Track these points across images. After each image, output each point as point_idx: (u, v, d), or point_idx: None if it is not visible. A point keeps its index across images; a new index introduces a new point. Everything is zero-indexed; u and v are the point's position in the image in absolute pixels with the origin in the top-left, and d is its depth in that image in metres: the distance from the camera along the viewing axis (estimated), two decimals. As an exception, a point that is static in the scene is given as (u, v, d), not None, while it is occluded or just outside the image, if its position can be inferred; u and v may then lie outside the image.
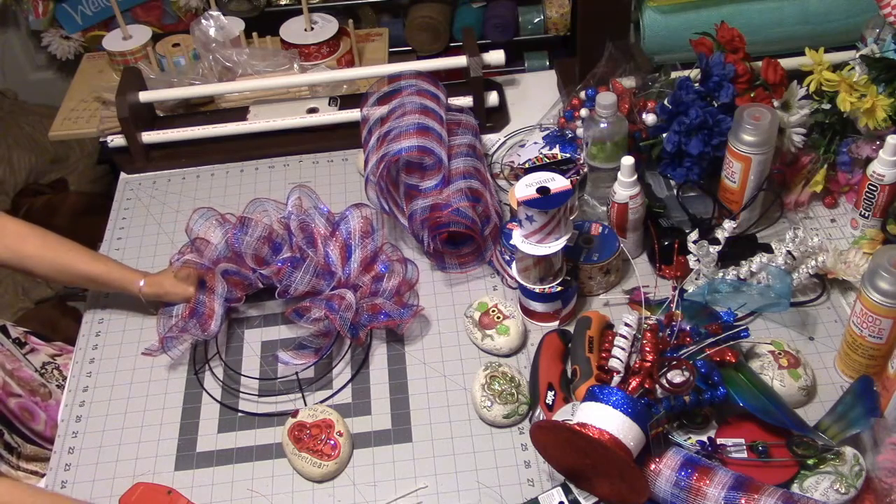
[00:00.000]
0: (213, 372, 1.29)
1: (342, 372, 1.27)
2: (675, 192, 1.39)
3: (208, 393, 1.26)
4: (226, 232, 1.33)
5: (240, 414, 1.23)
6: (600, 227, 1.33)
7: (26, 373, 1.37)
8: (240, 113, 1.70)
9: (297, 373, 1.25)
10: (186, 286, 1.31)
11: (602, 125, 1.31)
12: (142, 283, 1.30)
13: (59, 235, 1.30)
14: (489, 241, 1.35)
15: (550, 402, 1.14)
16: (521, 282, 1.26)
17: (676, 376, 1.07)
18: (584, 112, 1.46)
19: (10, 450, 1.29)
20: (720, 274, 1.25)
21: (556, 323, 1.28)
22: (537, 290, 1.25)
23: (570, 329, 1.22)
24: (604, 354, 1.15)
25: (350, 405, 1.23)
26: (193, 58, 1.88)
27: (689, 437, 1.09)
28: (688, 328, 1.14)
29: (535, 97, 1.72)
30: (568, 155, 1.47)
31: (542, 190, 1.16)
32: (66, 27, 2.64)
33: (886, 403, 1.08)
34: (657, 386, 1.08)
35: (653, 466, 1.02)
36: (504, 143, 1.61)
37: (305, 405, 1.23)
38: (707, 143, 1.31)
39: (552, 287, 1.24)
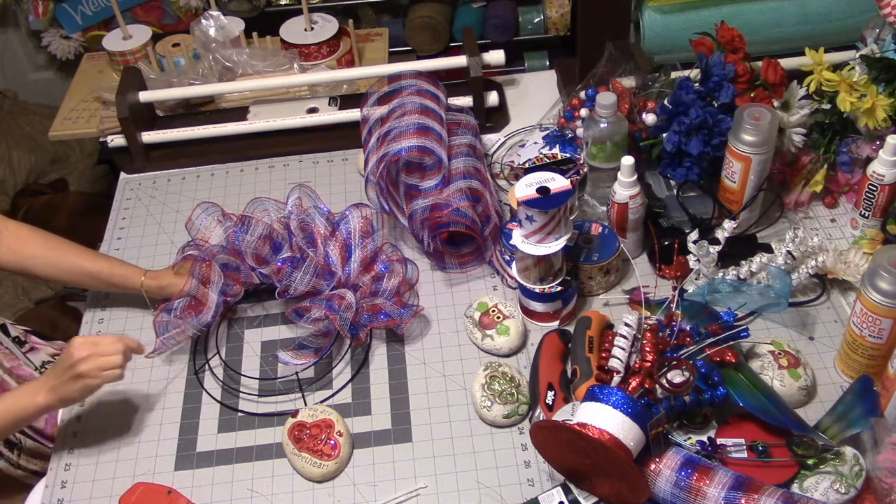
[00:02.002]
0: (213, 372, 1.29)
1: (342, 372, 1.27)
2: (675, 192, 1.39)
3: (208, 393, 1.26)
4: (227, 230, 1.33)
5: (240, 414, 1.23)
6: (600, 227, 1.33)
7: (25, 371, 1.37)
8: (240, 113, 1.70)
9: (297, 373, 1.25)
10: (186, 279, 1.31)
11: (602, 125, 1.31)
12: (143, 277, 1.30)
13: (59, 236, 1.30)
14: (489, 241, 1.35)
15: (550, 402, 1.14)
16: (521, 282, 1.26)
17: (676, 376, 1.07)
18: (584, 112, 1.46)
19: (10, 446, 1.29)
20: (720, 274, 1.25)
21: (556, 323, 1.28)
22: (537, 290, 1.25)
23: (570, 329, 1.22)
24: (604, 354, 1.15)
25: (350, 405, 1.23)
26: (193, 58, 1.88)
27: (689, 437, 1.09)
28: (688, 328, 1.14)
29: (535, 97, 1.72)
30: (568, 155, 1.47)
31: (542, 190, 1.16)
32: (66, 27, 2.64)
33: (886, 403, 1.08)
34: (657, 386, 1.08)
35: (653, 466, 1.02)
36: (504, 143, 1.61)
37: (305, 405, 1.23)
38: (707, 143, 1.31)
39: (552, 287, 1.24)
